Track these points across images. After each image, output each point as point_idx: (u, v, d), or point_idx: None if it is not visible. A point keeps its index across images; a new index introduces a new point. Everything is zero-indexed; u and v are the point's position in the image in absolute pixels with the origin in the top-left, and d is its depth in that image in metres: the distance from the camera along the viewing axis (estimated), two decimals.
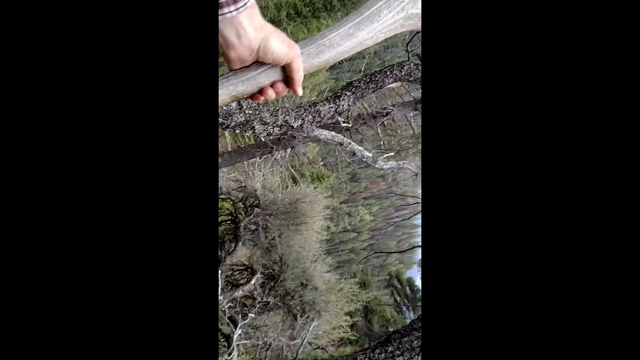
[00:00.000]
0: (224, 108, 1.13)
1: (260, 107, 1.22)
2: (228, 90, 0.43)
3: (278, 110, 1.30)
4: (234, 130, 1.25)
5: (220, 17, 0.39)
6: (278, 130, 1.33)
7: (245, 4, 0.39)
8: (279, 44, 0.43)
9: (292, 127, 1.38)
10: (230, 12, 0.39)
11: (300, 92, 0.46)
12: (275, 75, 0.45)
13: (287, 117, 1.34)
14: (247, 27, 0.41)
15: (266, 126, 1.29)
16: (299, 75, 0.46)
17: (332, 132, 1.45)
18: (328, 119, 1.46)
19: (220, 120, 1.17)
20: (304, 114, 1.38)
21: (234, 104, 1.17)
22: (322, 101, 1.40)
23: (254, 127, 1.27)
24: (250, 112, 1.23)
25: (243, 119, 1.22)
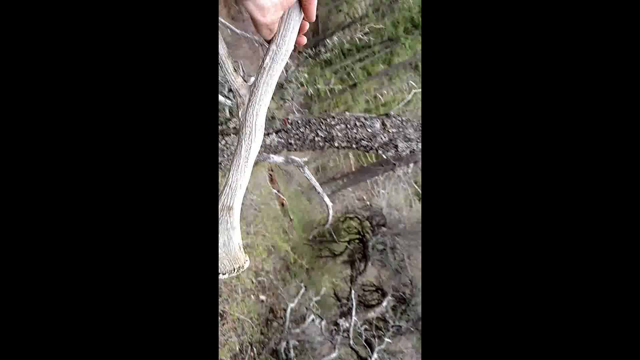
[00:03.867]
0: (369, 130, 1.11)
1: (404, 123, 1.16)
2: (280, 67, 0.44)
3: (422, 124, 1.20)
4: (377, 152, 1.22)
5: None
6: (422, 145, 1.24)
7: None
8: None
9: None
10: None
11: (313, 17, 0.46)
12: (297, 18, 0.44)
13: None
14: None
15: (410, 143, 1.21)
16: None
17: None
18: None
19: (365, 142, 1.15)
20: None
21: (377, 124, 1.15)
22: None
23: (397, 145, 1.22)
24: (394, 130, 1.18)
25: (387, 139, 1.18)
